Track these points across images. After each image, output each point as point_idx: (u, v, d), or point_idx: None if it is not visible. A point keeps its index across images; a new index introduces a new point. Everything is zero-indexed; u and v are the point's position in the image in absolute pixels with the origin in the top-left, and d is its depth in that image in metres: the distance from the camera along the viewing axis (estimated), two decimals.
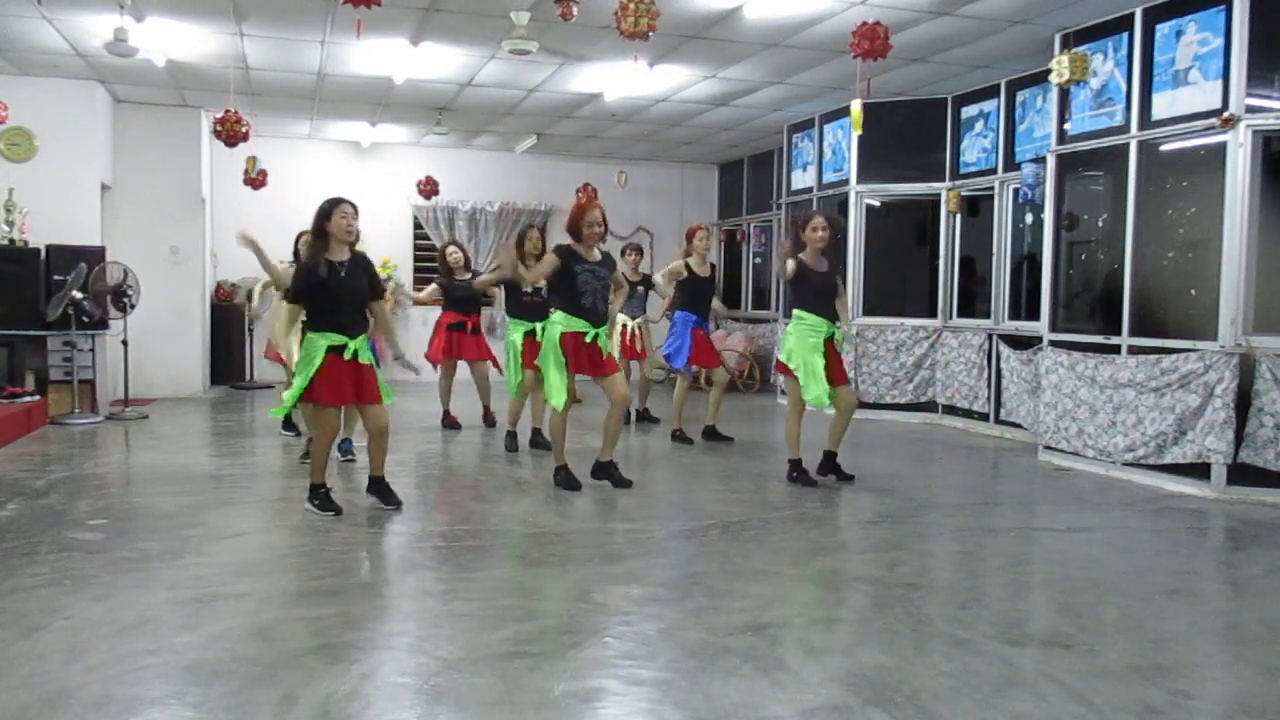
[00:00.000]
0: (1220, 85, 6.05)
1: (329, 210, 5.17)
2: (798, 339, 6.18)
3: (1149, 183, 6.62)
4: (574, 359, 5.82)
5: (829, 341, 6.17)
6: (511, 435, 7.53)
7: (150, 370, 10.60)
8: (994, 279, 8.88)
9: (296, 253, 7.21)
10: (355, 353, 5.14)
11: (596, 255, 5.91)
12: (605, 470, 6.13)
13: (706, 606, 3.83)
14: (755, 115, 10.74)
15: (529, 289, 7.18)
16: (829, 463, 6.41)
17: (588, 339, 5.83)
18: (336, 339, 5.11)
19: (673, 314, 8.01)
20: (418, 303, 12.43)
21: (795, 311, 6.26)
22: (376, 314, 5.51)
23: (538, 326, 7.15)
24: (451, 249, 8.72)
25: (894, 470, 7.01)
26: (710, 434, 8.12)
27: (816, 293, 6.20)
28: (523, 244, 7.22)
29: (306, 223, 5.42)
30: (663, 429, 8.57)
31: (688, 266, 7.84)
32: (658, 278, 8.23)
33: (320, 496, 5.32)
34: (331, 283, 5.11)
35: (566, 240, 5.98)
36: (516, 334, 7.34)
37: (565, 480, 6.03)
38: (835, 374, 6.17)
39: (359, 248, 5.40)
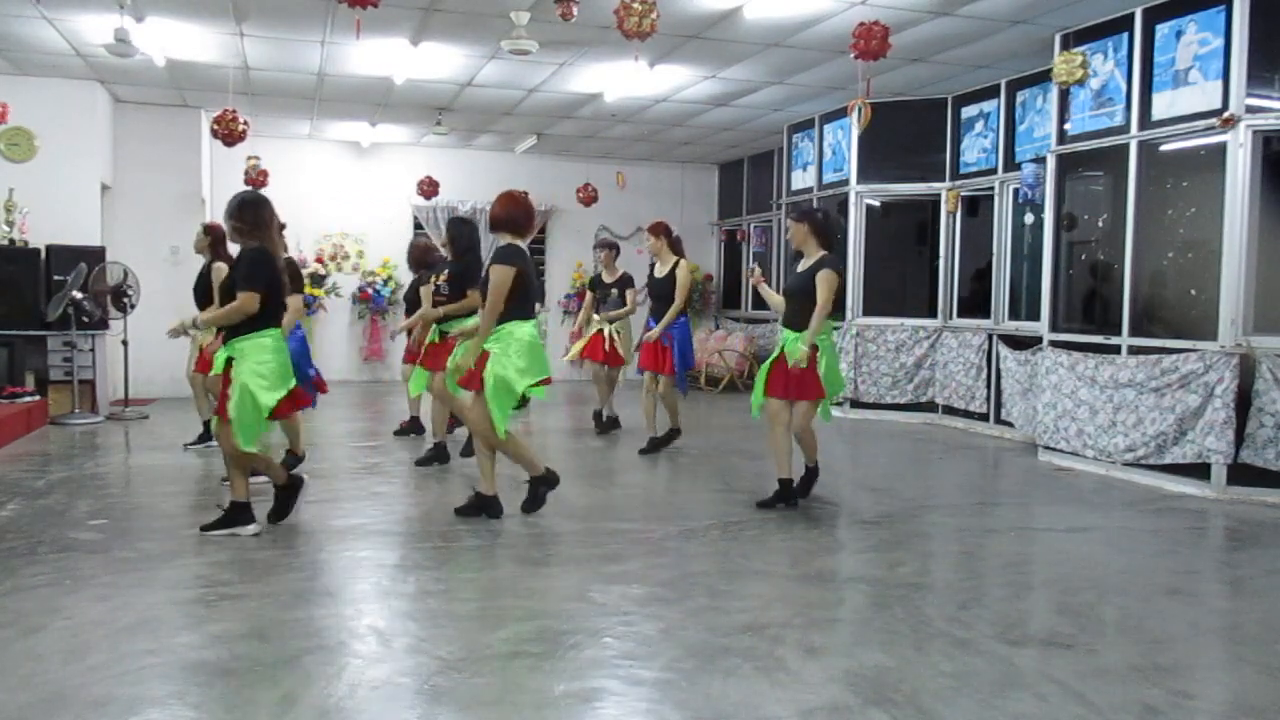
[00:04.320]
0: (1220, 85, 6.05)
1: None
2: None
3: (1149, 183, 6.62)
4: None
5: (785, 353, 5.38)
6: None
7: (150, 370, 10.59)
8: (994, 279, 8.88)
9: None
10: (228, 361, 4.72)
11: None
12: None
13: (706, 606, 3.83)
14: (755, 115, 10.74)
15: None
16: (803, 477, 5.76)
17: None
18: None
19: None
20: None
21: None
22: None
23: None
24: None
25: (894, 470, 7.01)
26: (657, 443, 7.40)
27: (785, 296, 5.62)
28: None
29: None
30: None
31: (650, 269, 7.74)
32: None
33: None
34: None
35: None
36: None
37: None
38: (774, 383, 5.43)
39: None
